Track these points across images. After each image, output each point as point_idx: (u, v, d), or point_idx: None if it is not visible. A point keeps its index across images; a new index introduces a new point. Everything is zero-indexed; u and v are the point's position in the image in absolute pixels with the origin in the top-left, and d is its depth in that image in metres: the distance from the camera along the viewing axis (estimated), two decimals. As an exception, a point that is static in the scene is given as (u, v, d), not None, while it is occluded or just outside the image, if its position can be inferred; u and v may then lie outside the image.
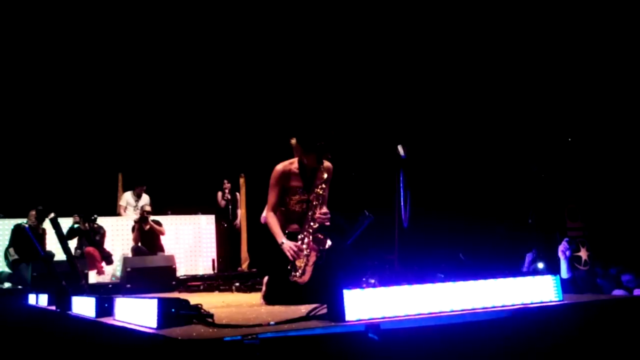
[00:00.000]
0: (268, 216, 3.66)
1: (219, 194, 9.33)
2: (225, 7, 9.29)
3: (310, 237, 3.47)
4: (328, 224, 3.51)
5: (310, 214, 3.52)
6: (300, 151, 3.71)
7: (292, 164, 3.70)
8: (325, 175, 3.58)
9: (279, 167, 3.68)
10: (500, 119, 8.25)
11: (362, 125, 8.82)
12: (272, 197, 3.66)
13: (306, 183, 3.62)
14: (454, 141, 8.40)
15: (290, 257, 3.42)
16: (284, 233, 3.54)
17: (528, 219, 6.65)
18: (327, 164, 3.65)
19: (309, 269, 3.42)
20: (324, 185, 3.57)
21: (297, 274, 3.42)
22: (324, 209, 3.53)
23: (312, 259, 3.43)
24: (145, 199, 9.01)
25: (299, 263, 3.43)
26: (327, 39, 9.26)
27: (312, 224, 3.49)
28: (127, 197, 9.06)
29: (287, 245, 3.45)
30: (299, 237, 3.51)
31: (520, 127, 8.05)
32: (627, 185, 7.26)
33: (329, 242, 3.43)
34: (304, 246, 3.45)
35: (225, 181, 9.19)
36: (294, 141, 3.78)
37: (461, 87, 8.61)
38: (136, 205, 8.87)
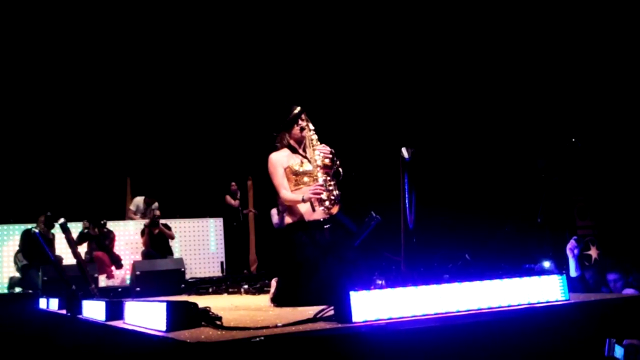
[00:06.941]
0: (282, 194, 3.69)
1: (227, 197, 9.38)
2: (232, 13, 9.33)
3: (320, 169, 3.59)
4: (331, 151, 3.62)
5: (311, 155, 3.65)
6: (284, 135, 3.80)
7: (284, 149, 3.80)
8: (313, 132, 3.70)
9: (273, 153, 3.77)
10: (506, 118, 8.23)
11: (367, 128, 8.84)
12: (278, 179, 3.69)
13: (302, 156, 3.72)
14: (459, 141, 8.39)
15: (316, 196, 3.49)
16: (307, 221, 3.58)
17: (537, 217, 6.61)
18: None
19: (333, 196, 3.53)
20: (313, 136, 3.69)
21: (327, 204, 3.51)
22: (320, 146, 3.66)
23: (333, 183, 3.56)
24: (154, 204, 9.03)
25: (324, 196, 3.51)
26: (332, 42, 9.28)
27: (317, 160, 3.61)
28: (137, 202, 9.04)
29: (307, 192, 3.52)
30: (313, 177, 3.61)
31: (528, 125, 8.02)
32: (638, 183, 7.21)
33: (336, 161, 3.59)
34: (320, 182, 3.55)
35: (233, 184, 9.22)
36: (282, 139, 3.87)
37: (466, 86, 8.60)
38: (145, 212, 8.88)
